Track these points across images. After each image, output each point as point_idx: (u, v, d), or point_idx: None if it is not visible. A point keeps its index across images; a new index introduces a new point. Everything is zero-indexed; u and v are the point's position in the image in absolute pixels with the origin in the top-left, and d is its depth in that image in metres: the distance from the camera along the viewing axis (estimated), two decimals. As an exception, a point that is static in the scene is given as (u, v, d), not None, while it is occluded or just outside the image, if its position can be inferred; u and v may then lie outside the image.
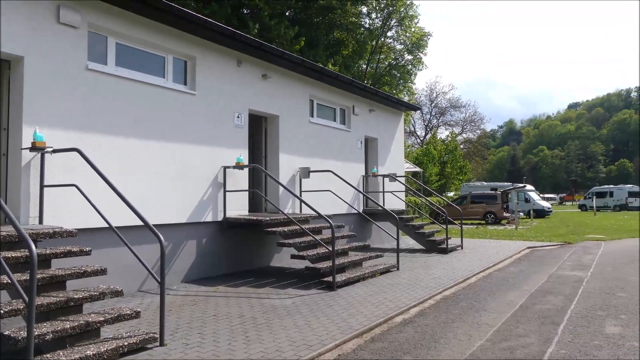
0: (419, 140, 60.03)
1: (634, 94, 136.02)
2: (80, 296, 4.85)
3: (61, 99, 6.67)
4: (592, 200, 41.78)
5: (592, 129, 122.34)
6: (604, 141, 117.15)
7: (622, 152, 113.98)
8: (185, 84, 8.83)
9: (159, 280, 5.13)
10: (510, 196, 28.56)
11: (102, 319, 4.79)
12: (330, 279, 8.06)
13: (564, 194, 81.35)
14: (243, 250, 9.87)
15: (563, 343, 5.44)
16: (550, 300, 7.63)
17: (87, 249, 5.46)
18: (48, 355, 4.22)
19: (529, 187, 38.92)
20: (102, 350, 4.46)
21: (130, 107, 7.65)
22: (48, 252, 5.17)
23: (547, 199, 55.25)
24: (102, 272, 5.33)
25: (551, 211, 36.13)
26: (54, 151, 6.22)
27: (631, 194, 47.15)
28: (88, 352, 4.36)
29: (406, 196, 18.37)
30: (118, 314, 4.98)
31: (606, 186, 54.06)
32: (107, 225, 5.66)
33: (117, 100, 7.45)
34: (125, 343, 4.71)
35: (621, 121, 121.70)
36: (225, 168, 9.30)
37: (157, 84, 8.18)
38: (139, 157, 7.77)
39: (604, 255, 13.22)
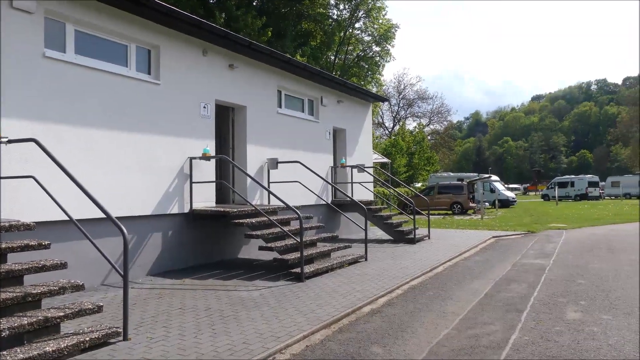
0: (387, 132, 60.51)
1: (593, 87, 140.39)
2: (39, 291, 4.68)
3: (17, 87, 6.40)
4: (555, 190, 43.04)
5: (554, 120, 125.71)
6: (566, 132, 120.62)
7: (583, 144, 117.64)
8: (149, 73, 8.60)
9: (122, 273, 5.00)
10: (476, 187, 29.13)
11: (62, 314, 4.64)
12: (298, 270, 8.04)
13: (528, 184, 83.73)
14: (210, 242, 9.74)
15: (526, 329, 5.57)
16: (514, 288, 7.81)
17: (46, 242, 5.27)
18: (4, 352, 4.06)
19: (494, 177, 39.84)
20: (62, 346, 4.32)
21: (92, 96, 7.42)
22: (3, 246, 4.95)
23: (512, 189, 56.75)
24: (62, 266, 5.15)
25: (515, 201, 37.06)
26: (9, 141, 5.95)
27: (591, 184, 48.81)
28: (47, 348, 4.22)
29: (374, 187, 18.49)
30: (79, 309, 4.83)
31: (567, 176, 55.77)
32: (67, 219, 5.48)
33: (78, 90, 7.20)
34: (87, 338, 4.58)
35: (582, 113, 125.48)
36: (191, 159, 9.14)
37: (120, 73, 7.95)
38: (102, 148, 7.55)
39: (566, 243, 13.63)
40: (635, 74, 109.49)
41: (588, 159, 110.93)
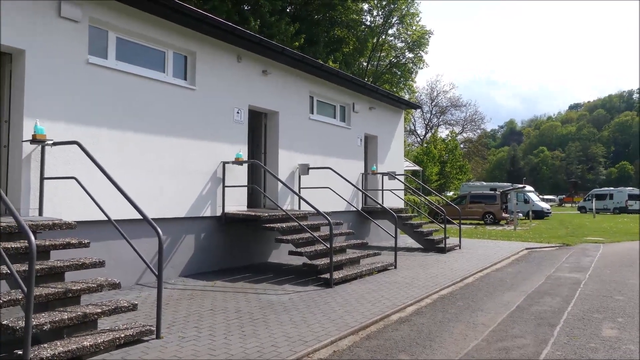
0: (419, 139, 60.03)
1: (635, 96, 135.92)
2: (78, 287, 4.87)
3: (62, 92, 6.68)
4: (592, 202, 41.80)
5: (593, 130, 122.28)
6: (605, 143, 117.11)
7: (623, 155, 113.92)
8: (185, 79, 8.83)
9: (157, 273, 5.15)
10: (509, 197, 28.58)
11: (99, 310, 4.82)
12: (327, 275, 8.08)
13: (564, 196, 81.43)
14: (241, 246, 9.89)
15: (559, 344, 5.46)
16: (547, 302, 7.65)
17: (86, 241, 5.48)
18: (45, 344, 4.25)
19: (528, 187, 38.97)
20: (99, 341, 4.49)
21: (131, 101, 7.67)
22: (47, 243, 5.19)
23: (547, 200, 55.32)
24: (100, 264, 5.36)
25: (550, 212, 36.16)
26: (54, 144, 6.24)
27: (631, 197, 47.15)
28: (85, 342, 4.39)
29: (405, 195, 18.39)
30: (115, 306, 5.01)
31: (606, 188, 54.04)
32: (106, 218, 5.69)
33: (118, 95, 7.46)
34: (122, 335, 4.74)
35: (622, 123, 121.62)
36: (224, 163, 9.32)
37: (157, 78, 8.20)
38: (139, 151, 7.79)
39: (603, 257, 13.24)
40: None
41: (628, 171, 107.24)
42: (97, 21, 7.27)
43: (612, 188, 52.67)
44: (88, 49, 7.07)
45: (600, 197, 47.90)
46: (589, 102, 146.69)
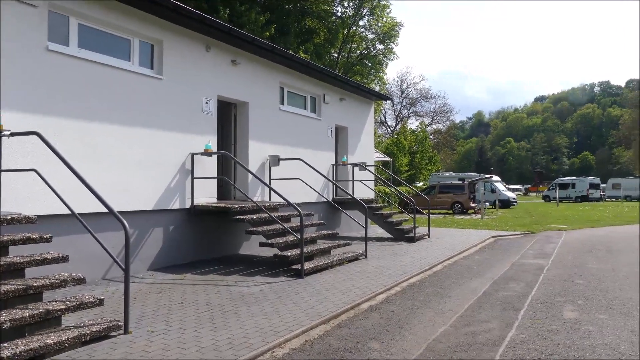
0: (389, 130, 60.52)
1: (597, 89, 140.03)
2: (40, 284, 4.72)
3: (20, 80, 6.43)
4: (556, 192, 42.98)
5: (557, 122, 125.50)
6: (568, 134, 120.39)
7: (585, 145, 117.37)
8: (152, 68, 8.64)
9: (124, 267, 5.04)
10: (477, 187, 29.14)
11: (63, 307, 4.68)
12: (298, 266, 8.08)
13: (529, 185, 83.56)
14: (211, 238, 9.79)
15: (523, 328, 5.60)
16: (512, 287, 7.84)
17: (48, 235, 5.31)
18: (6, 344, 4.11)
19: (495, 177, 39.80)
20: (64, 338, 4.37)
21: (95, 90, 7.45)
22: (5, 238, 4.99)
23: (513, 190, 56.64)
24: (64, 259, 5.20)
25: (516, 202, 37.06)
26: (12, 134, 5.99)
27: (592, 186, 48.81)
28: (48, 340, 4.26)
29: (376, 185, 18.52)
30: (80, 302, 4.88)
31: (569, 178, 55.70)
32: (69, 212, 5.52)
33: (81, 83, 7.24)
34: (88, 331, 4.63)
35: (584, 115, 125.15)
36: (193, 155, 9.17)
37: (123, 67, 7.98)
38: (104, 142, 7.58)
39: (565, 244, 13.65)
40: (638, 77, 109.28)
41: (590, 161, 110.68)
42: (57, 6, 7.00)
43: (574, 178, 54.36)
44: (48, 35, 6.81)
45: (563, 186, 49.35)
46: (553, 94, 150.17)
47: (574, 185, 49.61)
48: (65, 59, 7.05)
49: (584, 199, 47.70)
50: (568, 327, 5.60)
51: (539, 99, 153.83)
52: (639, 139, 73.13)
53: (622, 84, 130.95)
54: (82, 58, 7.29)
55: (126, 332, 4.99)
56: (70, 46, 7.23)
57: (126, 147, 7.95)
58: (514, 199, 36.50)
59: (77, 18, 7.35)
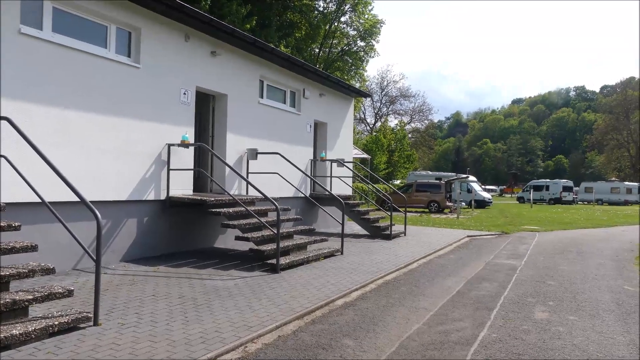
0: (368, 128, 60.73)
1: (572, 93, 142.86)
2: (7, 273, 4.59)
3: (-9, 63, 6.22)
4: (530, 193, 43.79)
5: (533, 124, 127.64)
6: (543, 137, 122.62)
7: (559, 149, 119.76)
8: (129, 56, 8.45)
9: (94, 258, 4.92)
10: (453, 186, 29.45)
11: (30, 297, 4.56)
12: (274, 261, 8.03)
13: (504, 186, 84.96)
14: (186, 231, 9.66)
15: (495, 327, 5.67)
16: (485, 287, 7.94)
17: (16, 224, 5.16)
18: (-32, 334, 3.98)
19: (471, 178, 40.29)
20: (30, 329, 4.25)
21: (69, 76, 7.26)
22: (-29, 226, 4.84)
23: (489, 191, 57.49)
24: (33, 248, 5.06)
25: (491, 202, 37.63)
26: (-19, 119, 5.80)
27: (565, 189, 49.86)
28: (14, 331, 4.15)
29: (354, 182, 18.55)
30: (49, 293, 4.76)
31: (543, 180, 56.76)
32: (39, 200, 5.36)
33: (54, 69, 7.04)
34: (56, 322, 4.52)
35: (560, 118, 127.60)
36: (169, 145, 9.03)
37: (99, 54, 7.80)
38: (77, 130, 7.40)
39: (538, 245, 13.89)
40: (612, 83, 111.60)
41: (564, 164, 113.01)
42: (32, -11, 6.80)
43: (548, 180, 55.37)
44: (20, 18, 6.59)
45: (537, 188, 50.30)
46: (530, 97, 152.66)
47: (547, 188, 50.57)
48: (39, 43, 6.84)
49: (557, 201, 48.68)
50: (539, 328, 5.69)
51: (516, 101, 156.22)
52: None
53: (597, 90, 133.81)
54: (56, 43, 7.09)
55: (96, 324, 4.88)
56: (44, 30, 7.01)
57: (100, 135, 7.77)
58: (489, 199, 37.05)
59: (51, 1, 7.13)
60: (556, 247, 13.38)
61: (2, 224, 5.02)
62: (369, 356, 4.63)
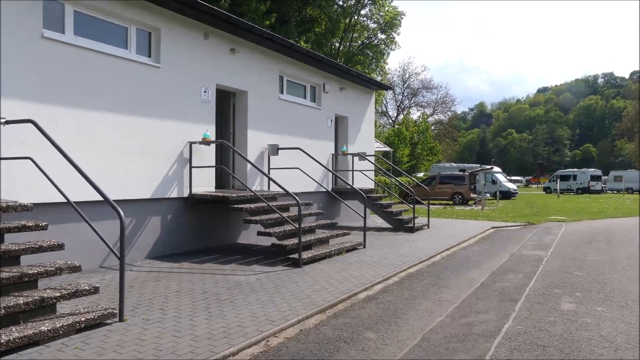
0: (390, 121, 60.34)
1: (600, 80, 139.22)
2: (35, 271, 4.71)
3: (15, 68, 6.38)
4: (557, 183, 42.90)
5: (559, 113, 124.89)
6: (570, 126, 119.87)
7: (587, 137, 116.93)
8: (149, 56, 8.57)
9: (119, 255, 5.02)
10: (477, 177, 29.07)
11: (58, 294, 4.68)
12: (296, 256, 8.07)
13: (531, 177, 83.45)
14: (209, 227, 9.77)
15: (519, 319, 5.59)
16: (510, 278, 7.83)
17: (43, 223, 5.30)
18: (0, 331, 4.11)
19: (496, 169, 39.72)
20: (58, 326, 4.37)
21: (91, 78, 7.39)
22: (1, 226, 4.98)
23: (514, 181, 56.54)
24: (59, 247, 5.19)
25: (517, 193, 36.99)
26: (7, 122, 5.96)
27: (593, 178, 48.62)
28: (42, 327, 4.26)
29: (376, 175, 18.47)
30: (75, 290, 4.87)
31: (570, 170, 55.52)
32: (65, 201, 5.49)
33: (77, 71, 7.18)
34: (83, 319, 4.63)
35: (587, 107, 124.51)
36: (191, 143, 9.13)
37: (120, 55, 7.92)
38: (100, 131, 7.54)
39: (565, 235, 13.62)
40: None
41: (592, 153, 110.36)
42: (53, -6, 6.94)
43: (575, 169, 54.16)
44: (43, 23, 6.74)
45: (564, 178, 49.21)
46: (556, 85, 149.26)
47: (575, 177, 49.46)
48: (61, 46, 6.99)
49: (585, 191, 47.57)
50: (565, 319, 5.58)
51: (542, 90, 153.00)
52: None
53: (626, 76, 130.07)
54: (78, 46, 7.23)
55: (121, 319, 4.98)
56: (66, 34, 7.16)
57: (123, 135, 7.91)
58: (514, 190, 36.43)
59: (72, 5, 7.27)
60: (584, 237, 13.10)
61: (29, 224, 5.16)
62: (391, 349, 4.61)
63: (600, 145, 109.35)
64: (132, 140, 8.07)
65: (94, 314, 4.79)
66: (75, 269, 5.07)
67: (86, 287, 5.00)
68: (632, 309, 6.01)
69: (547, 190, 49.85)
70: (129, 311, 5.30)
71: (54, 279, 6.11)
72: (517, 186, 47.96)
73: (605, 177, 53.49)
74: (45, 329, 4.26)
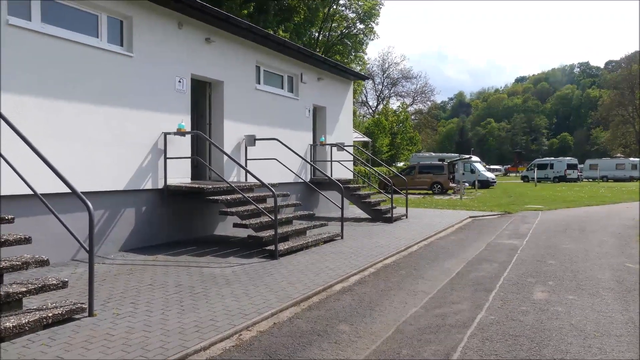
0: (370, 111, 60.41)
1: (576, 70, 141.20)
2: (0, 266, 4.58)
3: (-21, 56, 6.16)
4: (534, 172, 43.56)
5: (537, 102, 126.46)
6: (548, 115, 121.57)
7: (564, 126, 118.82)
8: (121, 45, 8.37)
9: (87, 248, 4.91)
10: (456, 167, 29.33)
11: (24, 289, 4.56)
12: (272, 247, 8.03)
13: (509, 166, 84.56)
14: (185, 219, 9.66)
15: (493, 309, 5.65)
16: (485, 268, 7.91)
17: (10, 216, 5.16)
18: (-38, 329, 3.99)
19: (474, 158, 40.14)
20: (24, 321, 4.26)
21: (60, 67, 7.19)
22: (-36, 220, 4.84)
23: (493, 170, 57.32)
24: (26, 240, 5.05)
25: (495, 182, 37.46)
26: (-29, 112, 5.76)
27: (570, 166, 49.47)
28: (7, 324, 4.15)
29: (355, 166, 18.48)
30: (43, 285, 4.76)
31: (547, 158, 56.38)
32: (33, 193, 5.34)
33: (45, 60, 6.97)
34: (50, 314, 4.52)
35: (564, 96, 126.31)
36: (165, 134, 8.98)
37: (91, 44, 7.72)
38: (70, 122, 7.36)
39: (540, 224, 13.83)
40: (617, 58, 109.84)
41: (569, 142, 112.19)
42: (19, -21, 6.70)
43: (552, 158, 55.01)
44: (8, 9, 6.51)
45: (541, 166, 49.95)
46: (533, 75, 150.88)
47: (552, 166, 50.24)
48: (28, 34, 6.77)
49: (562, 179, 48.38)
50: (537, 308, 5.66)
51: (520, 80, 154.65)
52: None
53: (602, 65, 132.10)
54: (46, 33, 7.01)
55: (91, 314, 4.89)
56: (33, 21, 6.93)
57: (95, 126, 7.73)
58: (493, 179, 36.90)
59: (40, -9, 7.04)
60: (559, 226, 13.32)
61: (-6, 218, 5.01)
62: (364, 341, 4.62)
63: (577, 134, 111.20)
64: (105, 131, 7.90)
65: (62, 309, 4.68)
66: (43, 263, 4.95)
67: (54, 282, 4.88)
68: (603, 297, 6.13)
69: (524, 179, 50.59)
70: (99, 305, 5.21)
71: (22, 273, 5.96)
72: (496, 175, 48.67)
73: (582, 166, 54.48)
74: (11, 325, 4.15)
